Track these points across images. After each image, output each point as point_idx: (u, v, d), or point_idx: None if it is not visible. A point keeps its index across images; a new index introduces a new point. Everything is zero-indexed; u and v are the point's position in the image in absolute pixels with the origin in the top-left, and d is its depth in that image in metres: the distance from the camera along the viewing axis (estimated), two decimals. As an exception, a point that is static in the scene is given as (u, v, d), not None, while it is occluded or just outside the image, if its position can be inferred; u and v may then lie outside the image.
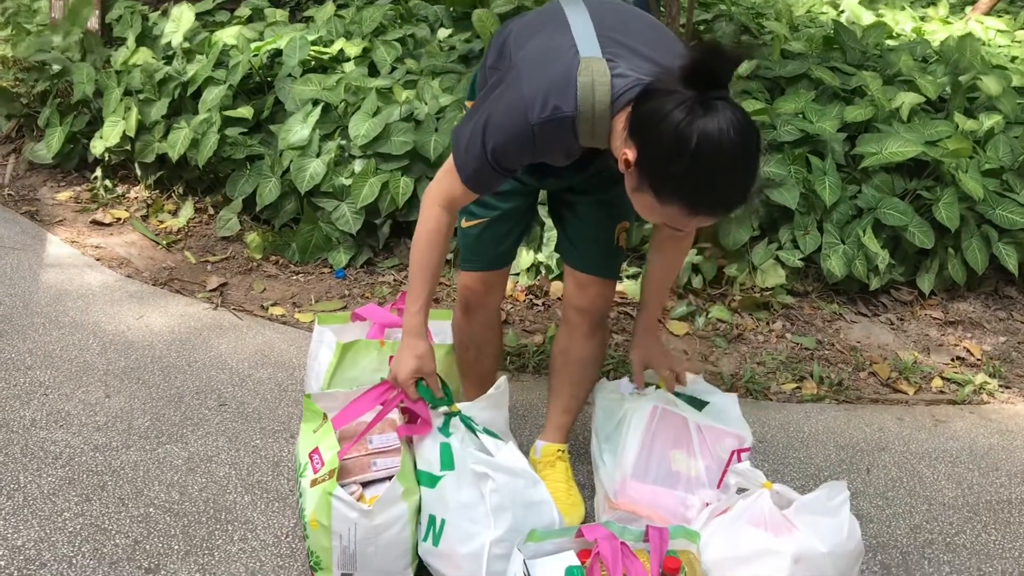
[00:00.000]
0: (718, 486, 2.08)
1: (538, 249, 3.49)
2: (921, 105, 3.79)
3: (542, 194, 2.26)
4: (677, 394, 2.15)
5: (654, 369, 2.19)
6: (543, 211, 3.21)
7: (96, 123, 4.08)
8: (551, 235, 3.42)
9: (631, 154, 1.59)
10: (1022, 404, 3.00)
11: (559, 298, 3.39)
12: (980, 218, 3.58)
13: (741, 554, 1.82)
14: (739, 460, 2.07)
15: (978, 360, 3.24)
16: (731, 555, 1.83)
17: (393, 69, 3.87)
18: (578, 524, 2.02)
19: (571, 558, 1.77)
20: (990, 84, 3.82)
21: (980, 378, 3.09)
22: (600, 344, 2.27)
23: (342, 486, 1.89)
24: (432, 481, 1.89)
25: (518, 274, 3.46)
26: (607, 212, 2.12)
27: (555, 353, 2.29)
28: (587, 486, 2.33)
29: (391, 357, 2.05)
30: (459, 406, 1.99)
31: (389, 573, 1.91)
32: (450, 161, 1.85)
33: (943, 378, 3.10)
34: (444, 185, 1.86)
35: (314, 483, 1.90)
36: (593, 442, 2.19)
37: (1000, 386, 3.08)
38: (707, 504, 2.03)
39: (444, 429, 1.95)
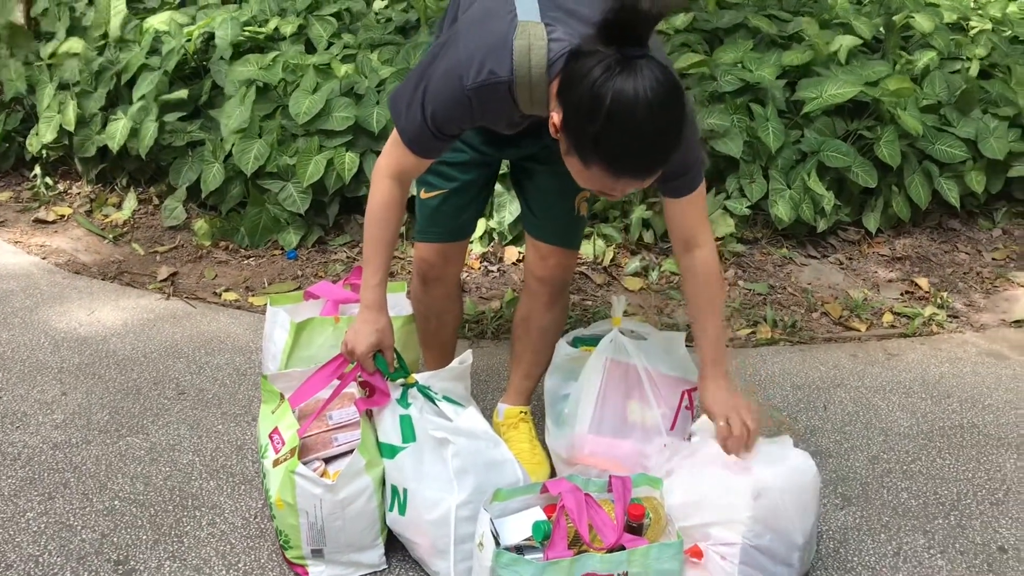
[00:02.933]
0: (671, 428, 2.10)
1: (490, 216, 3.49)
2: (858, 47, 3.83)
3: (504, 165, 2.24)
4: (621, 330, 2.16)
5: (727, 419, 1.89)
6: (501, 180, 3.20)
7: (31, 120, 3.99)
8: (502, 200, 3.43)
9: (557, 116, 1.58)
10: (970, 332, 3.08)
11: (514, 263, 3.40)
12: (921, 154, 3.64)
13: (702, 497, 1.85)
14: (690, 400, 2.10)
15: (926, 293, 3.31)
16: (693, 499, 1.85)
17: (330, 45, 3.82)
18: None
19: (538, 513, 1.80)
20: (923, 21, 3.87)
21: (929, 310, 3.16)
22: (561, 312, 2.29)
23: (305, 463, 1.90)
24: (393, 452, 1.90)
25: (472, 242, 3.46)
26: (566, 181, 2.08)
27: (516, 321, 2.30)
28: (551, 444, 2.36)
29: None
30: (417, 377, 1.99)
31: (359, 545, 1.92)
32: (396, 131, 1.82)
33: (893, 313, 3.16)
34: (393, 156, 1.83)
35: (276, 463, 1.90)
36: (547, 400, 2.21)
37: (948, 316, 3.16)
38: (664, 446, 2.06)
39: (402, 401, 1.95)
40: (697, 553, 1.82)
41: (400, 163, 1.83)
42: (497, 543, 1.73)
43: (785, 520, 1.83)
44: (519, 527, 1.78)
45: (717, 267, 1.93)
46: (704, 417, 1.97)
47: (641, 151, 1.52)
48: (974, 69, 3.84)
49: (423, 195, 2.11)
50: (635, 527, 1.77)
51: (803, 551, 1.88)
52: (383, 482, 1.92)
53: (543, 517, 1.78)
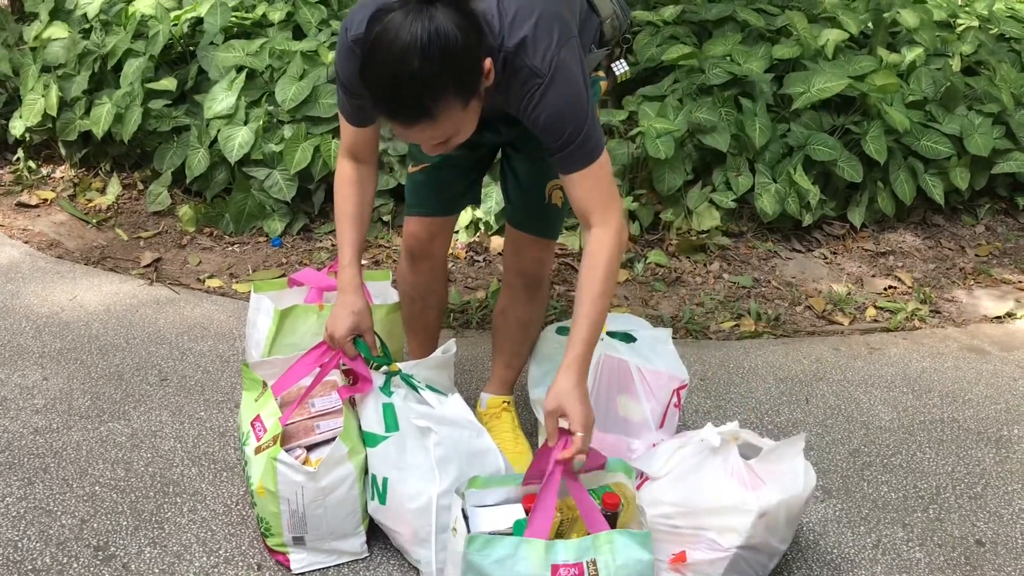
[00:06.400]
0: (661, 425, 2.11)
1: (476, 206, 3.48)
2: (845, 42, 3.84)
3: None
4: (610, 333, 2.17)
5: (565, 418, 1.72)
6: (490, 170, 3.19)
7: (14, 103, 3.96)
8: (488, 191, 3.42)
9: None
10: (952, 328, 3.10)
11: (499, 253, 3.40)
12: (907, 150, 3.66)
13: (704, 503, 1.81)
14: (679, 399, 2.10)
15: (909, 288, 3.33)
16: (692, 501, 1.82)
17: (319, 31, 3.80)
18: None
19: (518, 511, 1.77)
20: (909, 18, 3.88)
21: (912, 305, 3.18)
22: (539, 305, 2.28)
23: (287, 451, 1.89)
24: (375, 441, 1.89)
25: (458, 231, 3.45)
26: (539, 169, 2.11)
27: (496, 313, 2.31)
28: (534, 433, 2.36)
29: (330, 320, 2.04)
30: (400, 365, 1.99)
31: (340, 533, 1.92)
32: None
33: (876, 307, 3.18)
34: (342, 133, 1.92)
35: (258, 450, 1.90)
36: (534, 391, 2.20)
37: (931, 312, 3.18)
38: (653, 445, 2.06)
39: (385, 389, 1.94)
40: (682, 558, 1.82)
41: (346, 137, 1.92)
42: (468, 528, 1.72)
43: (775, 532, 1.82)
44: (495, 520, 1.76)
45: (608, 249, 1.75)
46: (710, 425, 1.90)
47: (381, 86, 1.54)
48: (956, 64, 3.86)
49: (410, 169, 2.15)
50: (611, 516, 1.76)
51: (780, 555, 1.89)
52: (365, 470, 1.92)
53: (523, 515, 1.75)
